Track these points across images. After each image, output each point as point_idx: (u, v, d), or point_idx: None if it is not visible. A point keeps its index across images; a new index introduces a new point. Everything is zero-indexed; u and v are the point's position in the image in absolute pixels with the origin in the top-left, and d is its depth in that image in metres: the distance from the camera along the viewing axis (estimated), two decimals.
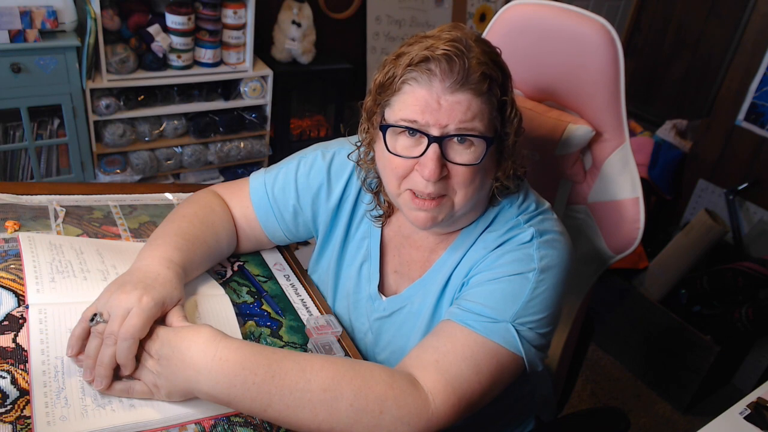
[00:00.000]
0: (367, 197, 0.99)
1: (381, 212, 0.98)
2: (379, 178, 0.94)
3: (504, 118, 0.83)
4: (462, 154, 0.80)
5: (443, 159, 0.80)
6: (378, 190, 0.97)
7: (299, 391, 0.72)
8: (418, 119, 0.79)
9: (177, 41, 2.35)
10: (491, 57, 0.81)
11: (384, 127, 0.83)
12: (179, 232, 0.92)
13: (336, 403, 0.72)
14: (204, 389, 0.72)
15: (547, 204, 0.94)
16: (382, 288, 1.00)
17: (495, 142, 0.83)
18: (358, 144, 0.94)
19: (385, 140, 0.83)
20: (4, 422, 0.68)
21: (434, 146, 0.79)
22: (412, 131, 0.80)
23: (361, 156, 0.94)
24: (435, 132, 0.79)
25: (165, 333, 0.75)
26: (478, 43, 0.80)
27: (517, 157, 0.88)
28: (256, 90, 2.61)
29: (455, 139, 0.79)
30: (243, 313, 0.95)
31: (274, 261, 1.10)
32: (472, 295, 0.84)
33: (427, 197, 0.82)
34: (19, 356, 0.76)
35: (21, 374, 0.73)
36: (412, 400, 0.75)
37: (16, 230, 0.97)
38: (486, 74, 0.78)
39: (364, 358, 0.98)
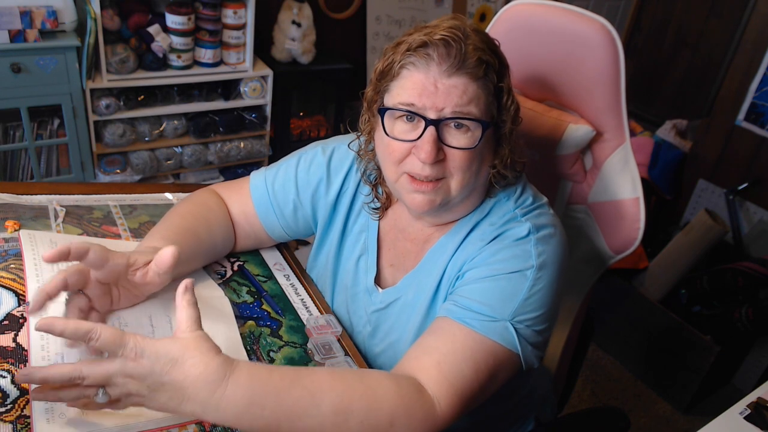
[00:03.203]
0: (365, 189, 1.00)
1: (379, 204, 0.99)
2: (378, 169, 0.94)
3: (500, 105, 0.84)
4: (458, 138, 0.81)
5: (440, 142, 0.81)
6: (377, 183, 0.98)
7: (309, 417, 0.70)
8: (415, 102, 0.80)
9: (177, 41, 2.35)
10: (489, 45, 0.82)
11: (382, 111, 0.83)
12: (169, 226, 0.93)
13: (347, 423, 0.71)
14: (209, 419, 0.69)
15: (544, 199, 0.94)
16: (378, 281, 1.00)
17: (491, 127, 0.84)
18: (359, 134, 0.95)
19: (383, 124, 0.83)
20: (5, 422, 0.68)
21: (431, 129, 0.80)
22: (410, 115, 0.81)
23: (362, 146, 0.95)
24: (432, 115, 0.79)
25: (155, 363, 0.65)
26: (477, 32, 0.82)
27: (515, 147, 0.88)
28: (256, 90, 2.61)
29: (452, 123, 0.80)
30: (243, 313, 0.95)
31: (274, 261, 1.10)
32: (469, 291, 0.84)
33: (425, 179, 0.83)
34: (19, 356, 0.76)
35: None
36: (420, 407, 0.75)
37: (16, 230, 0.97)
38: (482, 59, 0.79)
39: (362, 351, 0.98)
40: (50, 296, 0.73)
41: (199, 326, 0.69)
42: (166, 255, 0.80)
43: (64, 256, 0.73)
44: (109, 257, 0.77)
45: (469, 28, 0.81)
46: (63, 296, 0.76)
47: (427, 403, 0.75)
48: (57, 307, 0.76)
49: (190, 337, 0.67)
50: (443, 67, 0.78)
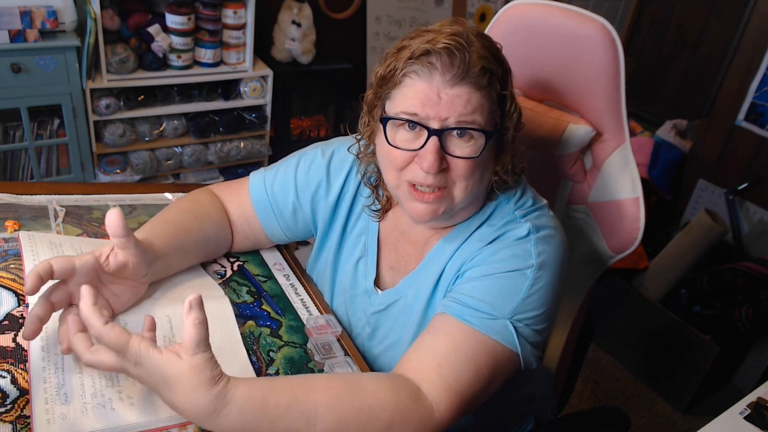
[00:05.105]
0: (365, 191, 1.00)
1: (379, 207, 0.98)
2: (378, 172, 0.94)
3: (503, 113, 0.84)
4: (462, 147, 0.81)
5: (443, 152, 0.80)
6: (377, 185, 0.97)
7: None
8: (418, 112, 0.79)
9: (177, 41, 2.35)
10: (491, 51, 0.81)
11: (384, 120, 0.83)
12: (153, 220, 0.93)
13: None
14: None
15: (544, 201, 0.94)
16: (378, 283, 1.00)
17: (494, 135, 0.83)
18: (358, 137, 0.94)
19: (386, 132, 0.83)
20: (4, 422, 0.68)
21: (434, 139, 0.79)
22: (412, 124, 0.80)
23: (361, 149, 0.94)
24: (435, 125, 0.79)
25: (150, 376, 0.66)
26: (479, 37, 0.81)
27: (516, 152, 0.88)
28: (256, 90, 2.61)
29: (455, 132, 0.80)
30: (243, 313, 0.95)
31: (274, 261, 1.10)
32: (469, 289, 0.84)
33: (428, 189, 0.83)
34: (18, 356, 0.76)
35: (21, 374, 0.73)
36: (418, 416, 0.74)
37: (15, 230, 0.97)
38: (486, 68, 0.79)
39: (361, 353, 0.98)
40: (43, 280, 0.71)
41: (204, 348, 0.65)
42: (110, 217, 0.74)
43: (39, 281, 0.70)
44: (74, 261, 0.74)
45: (472, 33, 0.80)
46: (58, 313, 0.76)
47: (425, 411, 0.75)
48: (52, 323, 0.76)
49: (188, 365, 0.64)
50: (447, 77, 0.77)
